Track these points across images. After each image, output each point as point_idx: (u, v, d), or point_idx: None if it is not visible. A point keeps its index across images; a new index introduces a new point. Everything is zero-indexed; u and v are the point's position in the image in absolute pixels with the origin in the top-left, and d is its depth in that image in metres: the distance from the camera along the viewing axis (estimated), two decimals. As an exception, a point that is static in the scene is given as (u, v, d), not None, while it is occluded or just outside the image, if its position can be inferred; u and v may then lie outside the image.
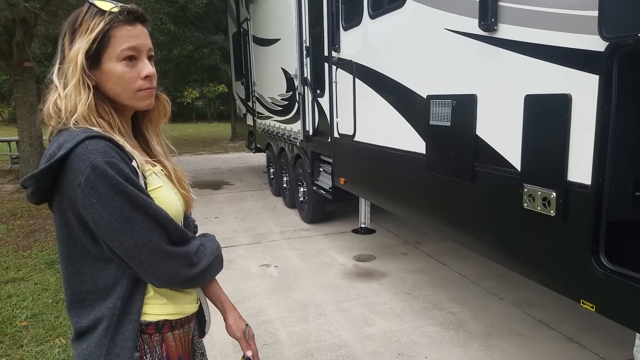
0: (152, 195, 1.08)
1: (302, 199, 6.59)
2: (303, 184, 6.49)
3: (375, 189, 4.41)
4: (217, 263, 1.21)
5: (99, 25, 1.04)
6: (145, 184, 1.09)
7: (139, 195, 1.02)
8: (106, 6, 1.06)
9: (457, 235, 3.15)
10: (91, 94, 1.05)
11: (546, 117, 2.17)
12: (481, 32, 2.52)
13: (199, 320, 1.33)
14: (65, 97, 1.05)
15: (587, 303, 2.05)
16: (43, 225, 6.35)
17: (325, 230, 6.05)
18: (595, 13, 1.87)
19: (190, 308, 1.23)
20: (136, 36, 1.08)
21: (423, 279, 4.32)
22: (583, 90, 1.97)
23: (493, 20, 2.41)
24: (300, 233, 5.96)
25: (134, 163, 1.06)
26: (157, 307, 1.13)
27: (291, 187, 7.05)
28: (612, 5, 1.81)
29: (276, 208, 7.42)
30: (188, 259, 1.11)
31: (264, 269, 4.69)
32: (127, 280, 1.07)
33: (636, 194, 2.10)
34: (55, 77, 1.08)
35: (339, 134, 4.94)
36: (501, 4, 2.38)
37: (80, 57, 1.04)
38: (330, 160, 5.32)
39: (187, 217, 1.28)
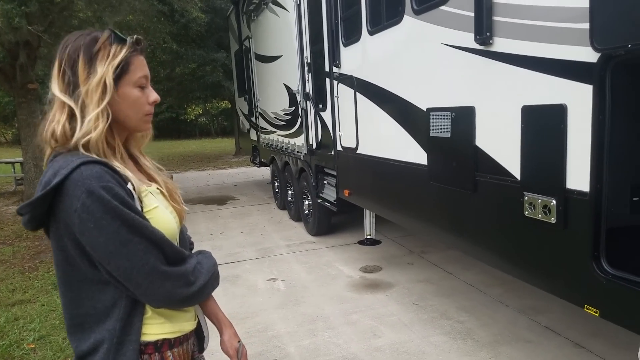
0: (148, 216, 1.11)
1: (307, 211, 6.63)
2: (308, 196, 6.54)
3: (379, 200, 4.46)
4: (213, 280, 1.23)
5: (121, 52, 1.11)
6: (142, 205, 1.12)
7: (135, 218, 1.04)
8: (123, 36, 1.14)
9: (461, 244, 3.19)
10: (108, 121, 1.10)
11: (543, 126, 2.22)
12: (477, 46, 2.59)
13: (198, 336, 1.35)
14: (87, 122, 1.07)
15: (591, 308, 2.09)
16: (49, 247, 6.29)
17: (331, 242, 6.09)
18: (587, 25, 1.93)
19: (188, 326, 1.25)
20: (145, 65, 1.18)
21: (430, 288, 4.34)
22: (578, 100, 2.02)
23: (488, 34, 2.48)
24: (306, 246, 6.00)
25: (129, 185, 1.09)
26: (155, 327, 1.15)
27: (296, 200, 7.11)
28: (603, 18, 1.88)
29: (282, 221, 7.46)
30: (185, 279, 1.13)
31: (271, 283, 4.72)
32: (126, 302, 1.09)
33: (634, 199, 2.15)
34: (63, 96, 1.08)
35: (342, 147, 5.00)
36: (496, 18, 2.45)
37: (110, 82, 1.08)
38: (334, 173, 5.38)
39: (182, 234, 1.31)
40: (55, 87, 1.10)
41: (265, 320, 3.84)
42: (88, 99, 1.07)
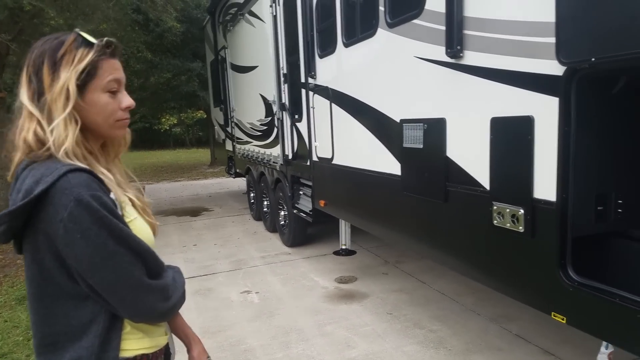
0: (130, 227, 1.08)
1: (282, 222, 6.60)
2: (283, 207, 6.51)
3: (354, 210, 4.47)
4: (183, 296, 1.22)
5: (87, 56, 1.06)
6: (123, 215, 1.09)
7: (123, 229, 1.01)
8: (92, 39, 1.10)
9: (433, 253, 3.22)
10: (78, 127, 1.06)
11: (511, 138, 2.28)
12: (448, 59, 2.64)
13: (165, 352, 1.31)
14: (54, 129, 1.03)
15: (558, 315, 2.13)
16: (14, 260, 6.14)
17: (307, 253, 6.07)
18: (553, 40, 2.00)
19: (162, 340, 1.23)
20: (118, 69, 1.13)
21: (404, 298, 4.36)
22: (545, 112, 2.09)
23: (459, 47, 2.54)
24: (281, 257, 5.96)
25: (112, 195, 1.06)
26: (134, 342, 1.12)
27: (272, 211, 7.07)
28: (569, 32, 1.94)
29: (257, 233, 7.40)
30: (165, 293, 1.11)
31: (244, 295, 4.66)
32: (105, 317, 1.05)
33: (599, 208, 2.22)
34: (29, 104, 1.05)
35: (317, 157, 5.01)
36: (466, 32, 2.51)
37: (73, 88, 1.04)
38: (310, 184, 5.38)
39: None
40: (24, 95, 1.06)
41: (238, 333, 3.76)
42: (53, 107, 1.03)
